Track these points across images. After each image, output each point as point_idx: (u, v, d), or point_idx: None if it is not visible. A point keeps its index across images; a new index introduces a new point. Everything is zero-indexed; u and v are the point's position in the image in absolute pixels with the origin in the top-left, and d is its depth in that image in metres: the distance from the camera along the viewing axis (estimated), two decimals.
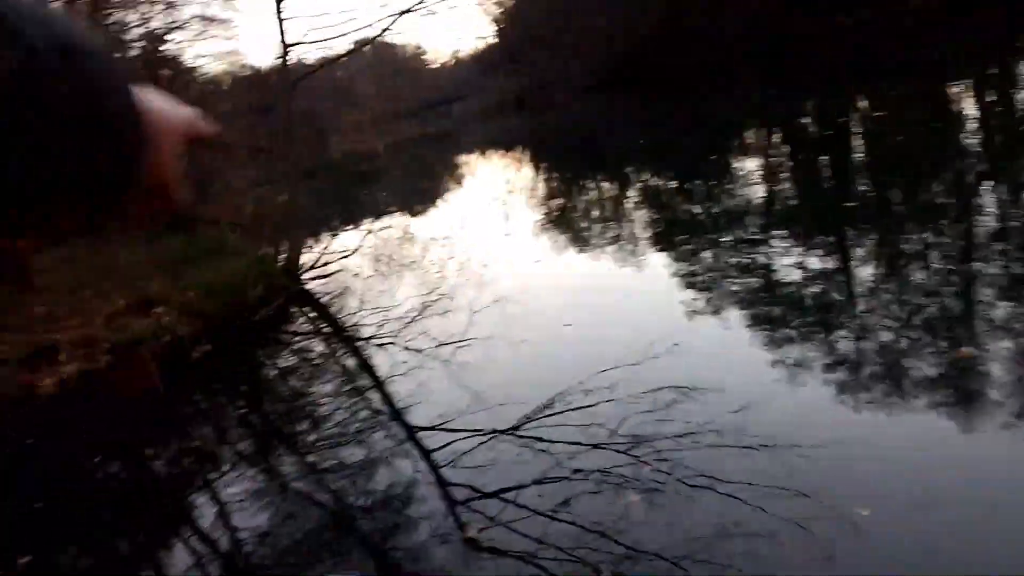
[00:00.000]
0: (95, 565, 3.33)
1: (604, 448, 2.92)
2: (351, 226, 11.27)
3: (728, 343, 3.73)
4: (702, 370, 3.35)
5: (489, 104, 41.58)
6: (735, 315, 4.06)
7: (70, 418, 4.58)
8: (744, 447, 2.71)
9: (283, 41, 11.92)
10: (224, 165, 9.73)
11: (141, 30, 17.14)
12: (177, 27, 17.54)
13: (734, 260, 5.06)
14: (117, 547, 3.45)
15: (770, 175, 7.71)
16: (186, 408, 4.83)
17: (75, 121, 0.26)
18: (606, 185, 10.69)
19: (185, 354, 5.40)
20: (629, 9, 27.98)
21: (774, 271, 4.63)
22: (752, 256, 5.04)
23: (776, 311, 4.05)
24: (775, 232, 5.53)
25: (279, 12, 11.81)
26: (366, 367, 4.74)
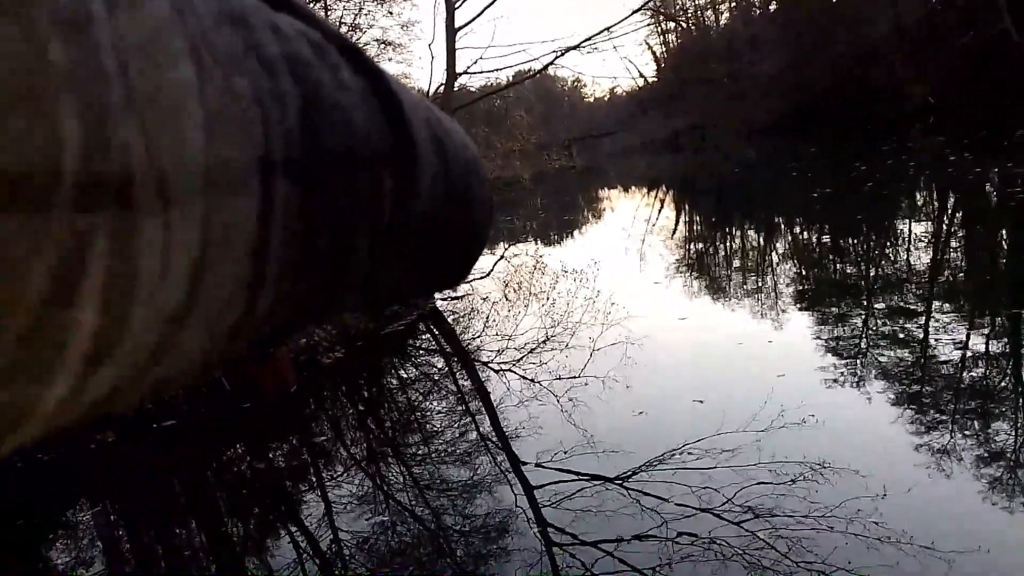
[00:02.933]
0: (198, 548, 3.54)
1: (716, 515, 2.73)
2: (487, 250, 11.55)
3: (869, 421, 3.41)
4: (837, 447, 3.07)
5: (642, 141, 41.47)
6: (880, 390, 3.71)
7: (203, 404, 4.94)
8: (874, 538, 2.44)
9: (451, 69, 12.57)
10: None
11: None
12: None
13: (887, 330, 4.66)
14: (223, 532, 3.65)
15: (940, 242, 7.06)
16: (311, 407, 5.08)
17: (462, 231, 0.28)
18: (755, 234, 10.26)
19: (318, 358, 5.71)
20: (804, 58, 27.06)
21: (931, 347, 4.20)
22: (908, 328, 4.61)
23: (928, 391, 3.67)
24: (938, 305, 5.04)
25: (451, 43, 12.48)
26: (481, 390, 4.78)
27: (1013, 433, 3.09)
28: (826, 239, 8.64)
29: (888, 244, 7.50)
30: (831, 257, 7.61)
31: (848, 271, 6.72)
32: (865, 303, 5.46)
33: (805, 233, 9.50)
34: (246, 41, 0.16)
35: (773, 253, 8.46)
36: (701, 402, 3.73)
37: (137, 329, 0.13)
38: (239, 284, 0.16)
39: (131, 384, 0.14)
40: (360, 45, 0.22)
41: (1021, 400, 3.40)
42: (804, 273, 7.10)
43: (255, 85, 0.16)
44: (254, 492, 3.90)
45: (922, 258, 6.56)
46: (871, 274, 6.40)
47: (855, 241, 8.10)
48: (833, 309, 5.37)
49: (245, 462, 4.37)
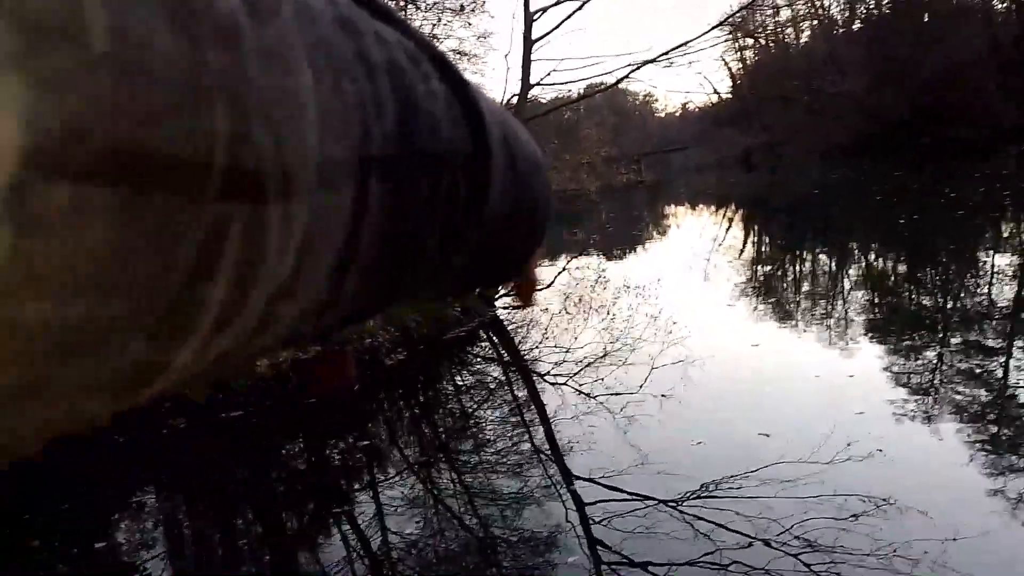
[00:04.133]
0: (256, 537, 3.65)
1: (772, 546, 2.65)
2: (549, 262, 11.52)
3: (941, 459, 3.25)
4: (904, 485, 2.93)
5: (712, 157, 40.79)
6: (953, 430, 3.53)
7: (270, 397, 5.10)
8: None
9: (526, 81, 12.67)
10: None
11: None
12: None
13: (963, 366, 4.43)
14: (276, 525, 3.75)
15: (1015, 276, 6.69)
16: (371, 407, 5.18)
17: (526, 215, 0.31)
18: (827, 258, 9.92)
19: (381, 359, 5.82)
20: (887, 78, 26.15)
21: (1009, 386, 3.98)
22: (985, 365, 4.38)
23: (1005, 432, 3.47)
24: (1018, 343, 4.77)
25: (527, 54, 12.59)
26: (536, 402, 4.77)
27: None
28: (917, 268, 8.21)
29: (976, 276, 7.12)
30: (923, 288, 7.23)
31: (940, 303, 6.40)
32: (950, 338, 5.21)
33: (893, 262, 9.04)
34: (355, 47, 0.18)
35: (860, 281, 8.09)
36: (768, 435, 3.60)
37: (253, 302, 0.15)
38: (333, 267, 0.18)
39: (241, 349, 0.16)
40: (433, 42, 0.24)
41: None
42: (892, 304, 6.79)
43: (359, 89, 0.17)
44: (310, 487, 4.00)
45: (1007, 293, 6.22)
46: (963, 307, 6.10)
47: (943, 271, 7.71)
48: (918, 343, 5.14)
49: (304, 457, 4.48)
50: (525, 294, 0.40)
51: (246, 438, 4.64)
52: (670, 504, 3.04)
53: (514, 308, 7.53)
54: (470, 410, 4.89)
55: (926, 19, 28.42)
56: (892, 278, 7.97)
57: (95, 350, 0.12)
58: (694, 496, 3.07)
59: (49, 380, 0.12)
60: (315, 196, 0.16)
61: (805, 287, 8.15)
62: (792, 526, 2.74)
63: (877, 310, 6.52)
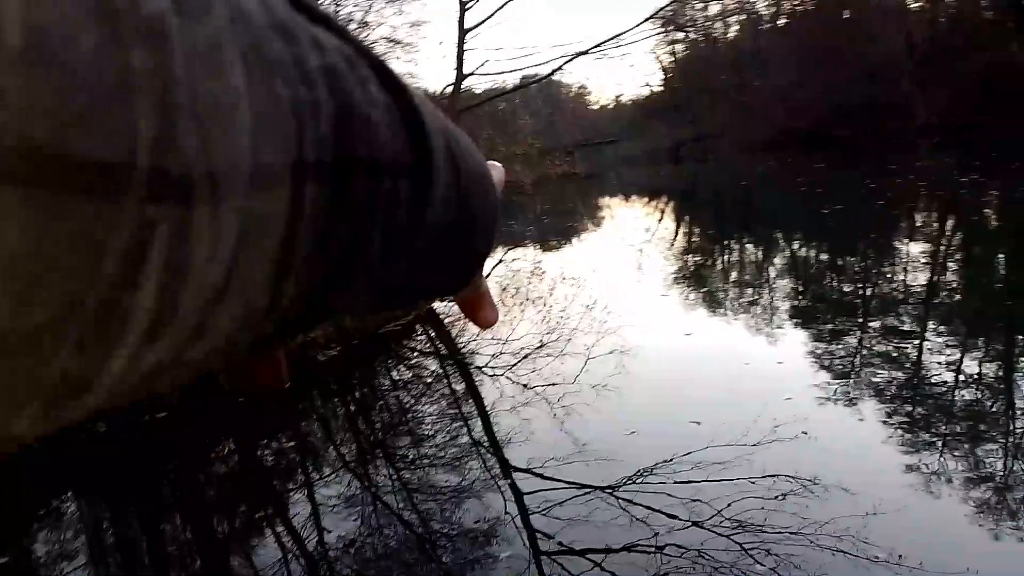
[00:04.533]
0: (184, 543, 3.52)
1: (704, 528, 2.72)
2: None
3: (862, 439, 3.40)
4: (829, 464, 3.05)
5: (643, 150, 41.52)
6: (873, 410, 3.70)
7: (197, 397, 4.93)
8: (864, 557, 2.43)
9: (460, 70, 12.59)
10: None
11: None
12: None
13: (881, 349, 4.66)
14: (207, 527, 3.63)
15: (939, 262, 7.07)
16: (304, 404, 5.07)
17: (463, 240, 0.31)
18: (755, 248, 10.25)
19: (314, 354, 5.69)
20: (812, 74, 27.15)
21: (925, 367, 4.20)
22: (902, 348, 4.61)
23: (921, 411, 3.66)
24: (933, 325, 5.04)
25: (461, 44, 12.50)
26: (474, 394, 4.76)
27: (1003, 455, 3.09)
28: (840, 256, 8.54)
29: (895, 263, 7.48)
30: (846, 275, 7.54)
31: (862, 290, 6.70)
32: (870, 322, 5.46)
33: (818, 250, 9.38)
34: (291, 53, 0.17)
35: (786, 269, 8.39)
36: (698, 423, 3.67)
37: (184, 310, 0.15)
38: (269, 272, 0.17)
39: (173, 362, 0.15)
40: (373, 48, 0.23)
41: (1012, 422, 3.39)
42: (817, 291, 7.04)
43: (294, 94, 0.17)
44: (241, 488, 3.88)
45: (921, 279, 6.56)
46: (883, 293, 6.40)
47: (865, 259, 8.05)
48: (841, 328, 5.36)
49: (234, 457, 4.35)
50: (475, 311, 0.39)
51: (173, 439, 4.46)
52: (607, 491, 3.09)
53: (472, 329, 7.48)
54: (407, 405, 4.84)
55: (845, 16, 29.62)
56: (817, 266, 8.32)
57: (18, 361, 0.12)
58: (630, 482, 3.13)
59: None
60: (247, 200, 0.15)
61: (735, 276, 8.40)
62: (724, 508, 2.82)
63: (803, 297, 6.77)
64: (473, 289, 0.38)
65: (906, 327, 5.08)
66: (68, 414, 0.14)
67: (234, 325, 0.17)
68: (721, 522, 2.75)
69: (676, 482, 3.08)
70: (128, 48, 0.12)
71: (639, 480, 3.14)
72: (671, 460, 3.25)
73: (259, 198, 0.16)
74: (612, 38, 13.13)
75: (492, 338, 6.01)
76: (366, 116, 0.20)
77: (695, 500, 2.91)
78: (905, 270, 6.96)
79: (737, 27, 40.65)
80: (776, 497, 2.87)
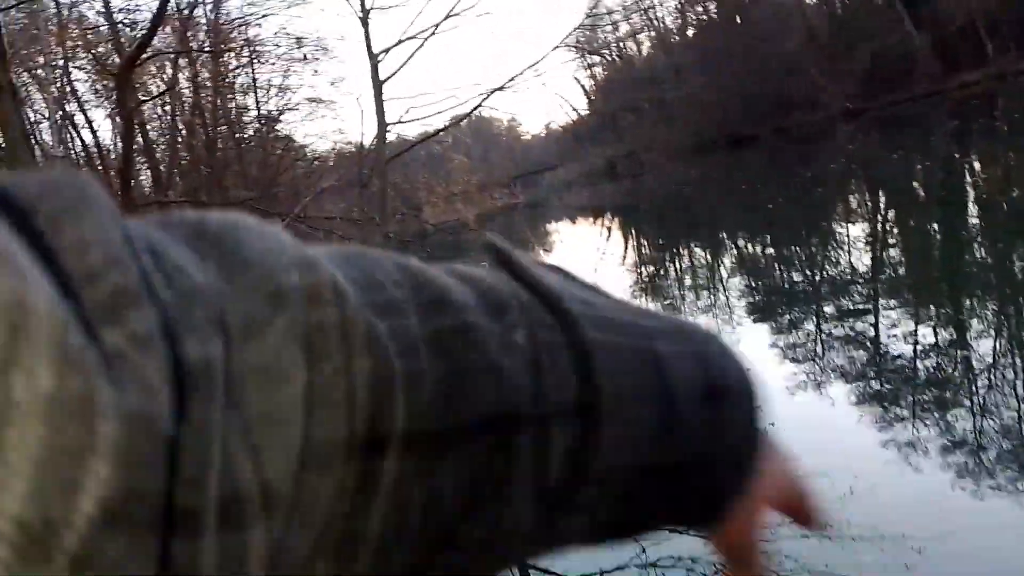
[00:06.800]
0: None
1: (689, 535, 2.71)
2: None
3: (830, 422, 3.47)
4: (799, 451, 3.04)
5: (580, 172, 42.25)
6: (838, 391, 3.79)
7: None
8: (847, 537, 2.47)
9: (382, 121, 12.67)
10: (325, 238, 10.22)
11: (255, 113, 18.69)
12: (289, 109, 19.02)
13: (838, 331, 4.77)
14: None
15: (877, 241, 7.33)
16: None
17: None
18: (700, 252, 10.44)
19: None
20: (723, 77, 28.16)
21: (882, 343, 4.33)
22: (857, 327, 4.74)
23: (884, 388, 3.76)
24: (884, 302, 5.20)
25: (379, 95, 12.60)
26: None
27: (971, 419, 3.16)
28: (793, 244, 8.54)
29: (846, 245, 7.58)
30: (801, 263, 7.56)
31: (820, 276, 6.76)
32: (827, 308, 5.59)
33: (770, 243, 9.28)
34: (391, 328, 0.18)
35: (743, 265, 8.39)
36: None
37: None
38: (328, 547, 0.18)
39: None
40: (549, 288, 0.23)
41: (974, 385, 3.49)
42: (777, 284, 7.06)
43: (376, 369, 0.17)
44: None
45: (871, 257, 6.76)
46: (839, 276, 6.52)
47: (816, 244, 8.06)
48: (805, 317, 5.48)
49: None
50: (735, 551, 0.30)
51: None
52: None
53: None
54: None
55: (739, 20, 30.91)
56: (777, 261, 8.32)
57: None
58: None
59: None
60: (300, 485, 0.16)
61: (697, 280, 8.47)
62: None
63: (772, 295, 6.74)
64: (716, 523, 0.28)
65: (862, 306, 5.22)
66: None
67: None
68: None
69: None
70: (197, 405, 0.14)
71: None
72: None
73: (314, 479, 0.17)
74: (525, 70, 13.45)
75: None
76: (496, 369, 0.20)
77: None
78: (858, 252, 7.13)
79: (649, 44, 42.03)
80: None
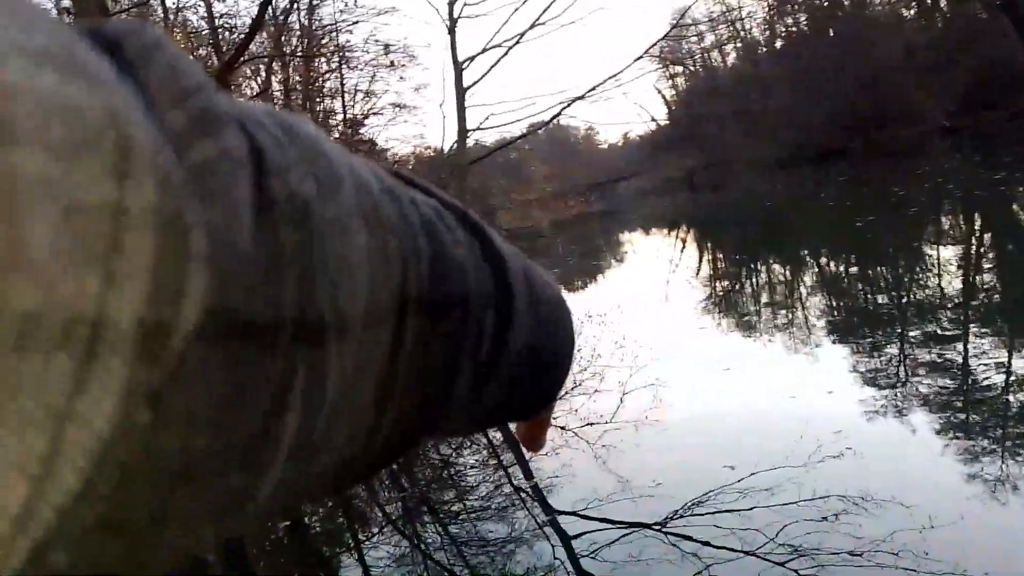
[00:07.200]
0: None
1: (758, 557, 2.67)
2: None
3: (911, 451, 3.33)
4: (879, 480, 2.99)
5: (656, 183, 41.70)
6: (921, 420, 3.63)
7: None
8: (925, 572, 2.36)
9: (463, 127, 12.90)
10: None
11: (341, 116, 19.32)
12: (374, 113, 19.58)
13: (923, 357, 4.57)
14: None
15: (971, 265, 6.95)
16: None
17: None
18: (779, 268, 10.13)
19: None
20: (814, 90, 27.30)
21: (971, 373, 4.11)
22: (945, 354, 4.52)
23: (972, 419, 3.57)
24: (975, 329, 4.94)
25: (461, 102, 12.83)
26: (511, 441, 4.75)
27: None
28: (885, 268, 8.02)
29: (941, 271, 7.13)
30: (895, 289, 7.05)
31: (916, 303, 6.35)
32: (927, 330, 5.37)
33: (861, 265, 8.68)
34: (397, 210, 0.22)
35: (832, 289, 7.86)
36: (732, 468, 3.36)
37: (316, 430, 0.18)
38: (374, 395, 0.20)
39: (300, 476, 0.19)
40: (455, 200, 0.28)
41: None
42: (869, 310, 6.53)
43: (401, 244, 0.21)
44: (291, 554, 3.89)
45: (979, 282, 6.42)
46: (936, 300, 6.22)
47: (909, 270, 7.49)
48: (901, 350, 5.28)
49: (281, 522, 4.37)
50: (531, 434, 0.39)
51: None
52: (655, 527, 3.05)
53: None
54: (447, 457, 4.84)
55: (832, 34, 29.86)
56: (863, 282, 7.87)
57: (206, 479, 0.15)
58: (678, 516, 3.09)
59: (171, 507, 0.14)
60: (363, 334, 0.19)
61: (776, 299, 8.20)
62: (776, 535, 2.77)
63: (856, 317, 6.42)
64: (537, 415, 0.38)
65: (951, 332, 4.98)
66: (232, 526, 0.17)
67: (346, 442, 0.20)
68: (774, 549, 2.69)
69: (725, 511, 3.03)
70: (279, 230, 0.16)
71: (687, 513, 3.10)
72: (717, 491, 3.21)
73: (371, 332, 0.19)
74: (607, 79, 13.39)
75: None
76: (456, 258, 0.24)
77: (745, 528, 2.86)
78: (950, 276, 6.78)
79: (734, 55, 41.18)
80: (827, 518, 2.81)
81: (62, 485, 0.12)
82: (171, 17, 14.00)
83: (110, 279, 0.12)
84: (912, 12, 28.95)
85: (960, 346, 4.62)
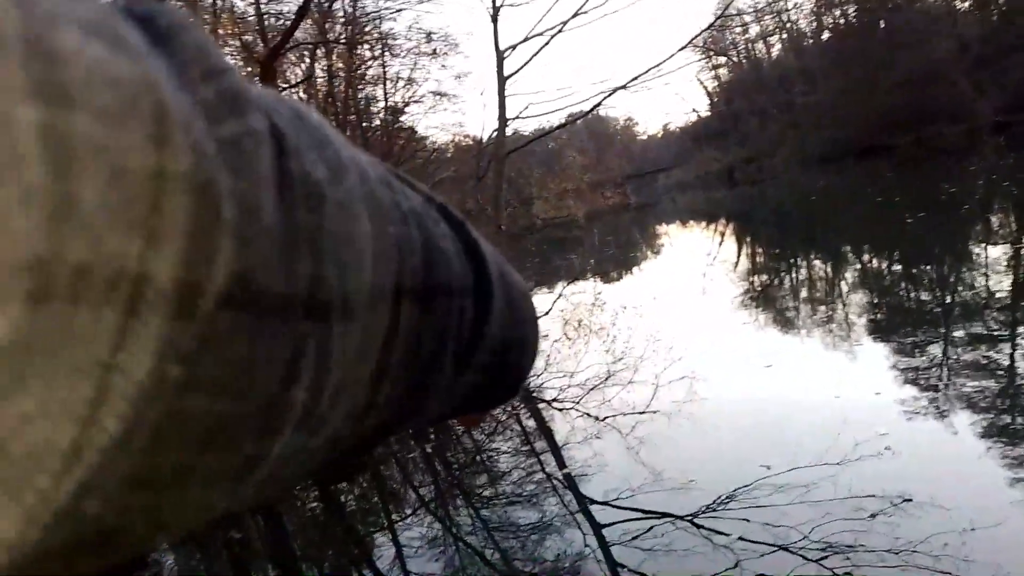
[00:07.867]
0: None
1: (792, 552, 2.65)
2: (546, 289, 11.56)
3: (952, 453, 3.26)
4: (917, 480, 2.94)
5: (696, 176, 41.15)
6: (963, 421, 3.54)
7: None
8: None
9: (503, 116, 12.88)
10: None
11: (383, 104, 19.46)
12: (415, 101, 19.68)
13: (967, 358, 4.45)
14: (293, 574, 3.72)
15: (1020, 266, 6.74)
16: (380, 449, 5.17)
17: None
18: (821, 264, 9.94)
19: None
20: (860, 84, 26.62)
21: (1017, 375, 4.01)
22: (990, 355, 4.40)
23: (1017, 422, 3.48)
24: (1022, 331, 4.80)
25: (502, 91, 12.82)
26: (545, 429, 4.78)
27: None
28: (938, 266, 7.71)
29: (998, 270, 6.86)
30: (946, 289, 6.77)
31: (967, 304, 6.12)
32: (974, 330, 5.24)
33: (912, 263, 8.32)
34: (392, 199, 0.23)
35: (883, 286, 7.62)
36: (768, 468, 3.30)
37: (321, 403, 0.19)
38: (372, 376, 0.22)
39: (302, 448, 0.20)
40: (436, 192, 0.29)
41: None
42: (922, 309, 6.27)
43: (397, 232, 0.22)
44: (325, 533, 3.97)
45: None
46: (993, 305, 6.04)
47: (963, 268, 7.15)
48: (904, 337, 5.17)
49: (316, 501, 4.46)
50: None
51: None
52: (687, 519, 3.05)
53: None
54: (480, 443, 4.89)
55: (882, 25, 29.02)
56: (916, 280, 7.55)
57: (225, 443, 0.16)
58: (710, 509, 3.08)
59: (194, 467, 0.15)
60: (365, 316, 0.20)
61: (814, 293, 8.06)
62: (810, 532, 2.75)
63: (908, 316, 6.15)
64: (500, 405, 0.39)
65: (998, 333, 4.84)
66: (242, 492, 0.18)
67: (343, 419, 0.21)
68: (808, 546, 2.67)
69: (758, 506, 3.01)
70: (296, 210, 0.17)
71: (720, 506, 3.09)
72: (752, 486, 3.19)
73: (372, 315, 0.20)
74: (649, 70, 13.25)
75: (559, 372, 6.02)
76: (442, 248, 0.26)
77: (779, 524, 2.84)
78: (999, 275, 6.57)
79: (779, 46, 40.29)
80: (865, 517, 2.77)
81: (105, 430, 0.13)
82: (219, 3, 14.24)
83: (151, 239, 0.13)
84: (967, 4, 27.99)
85: (1007, 348, 4.50)
